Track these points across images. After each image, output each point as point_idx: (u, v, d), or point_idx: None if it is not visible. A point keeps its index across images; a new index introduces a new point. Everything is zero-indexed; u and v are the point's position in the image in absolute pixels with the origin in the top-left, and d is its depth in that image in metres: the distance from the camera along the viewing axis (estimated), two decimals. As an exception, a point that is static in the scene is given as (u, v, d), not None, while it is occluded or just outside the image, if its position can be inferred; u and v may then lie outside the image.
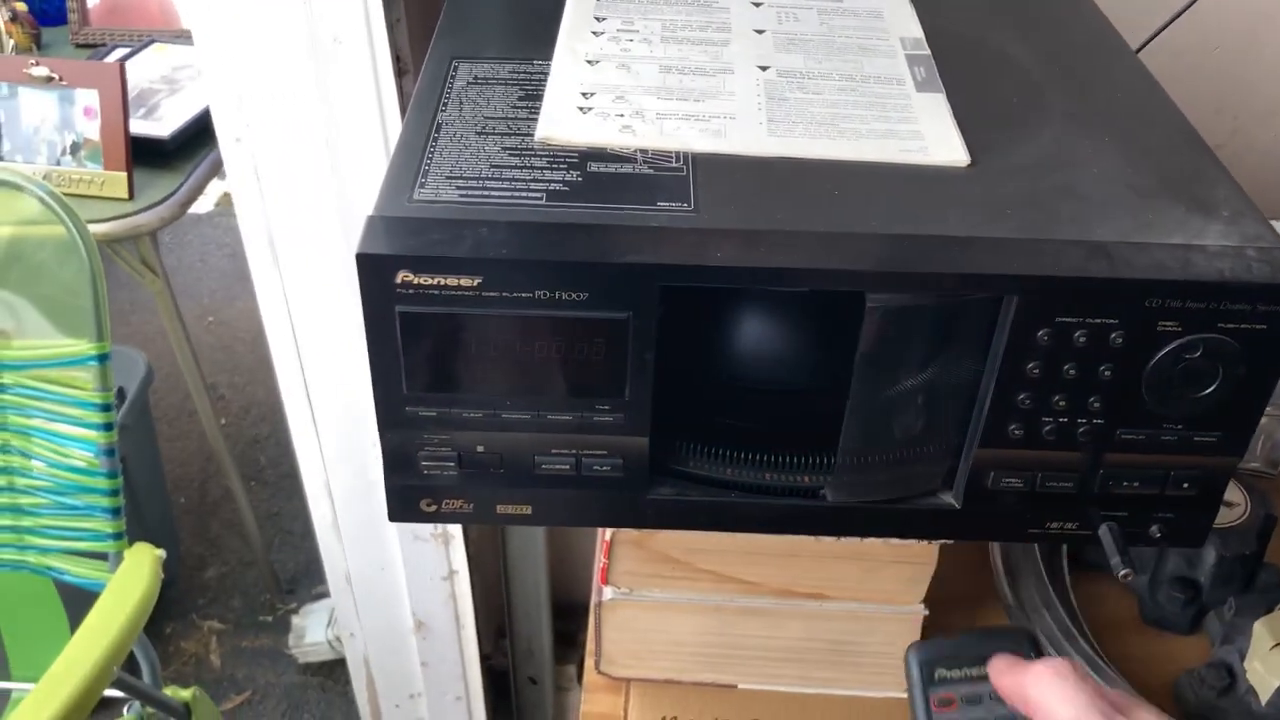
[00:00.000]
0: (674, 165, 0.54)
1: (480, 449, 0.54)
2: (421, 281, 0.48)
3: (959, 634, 0.52)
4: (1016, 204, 0.52)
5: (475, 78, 0.60)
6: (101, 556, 1.06)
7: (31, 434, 1.05)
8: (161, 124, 1.41)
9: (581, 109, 0.57)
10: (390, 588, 1.17)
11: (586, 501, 0.56)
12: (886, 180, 0.54)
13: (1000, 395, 0.52)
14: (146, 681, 1.07)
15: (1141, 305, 0.49)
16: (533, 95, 0.58)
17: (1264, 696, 0.70)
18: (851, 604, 0.71)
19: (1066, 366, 0.51)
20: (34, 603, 1.22)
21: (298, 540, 1.88)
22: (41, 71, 1.32)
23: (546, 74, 0.60)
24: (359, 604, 1.20)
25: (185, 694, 1.08)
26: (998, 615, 0.78)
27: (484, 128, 0.56)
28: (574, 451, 0.54)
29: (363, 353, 0.51)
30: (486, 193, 0.51)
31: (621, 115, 0.57)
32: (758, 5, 0.68)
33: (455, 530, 1.10)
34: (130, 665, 0.99)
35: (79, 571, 1.07)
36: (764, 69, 0.62)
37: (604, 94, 0.58)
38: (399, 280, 0.48)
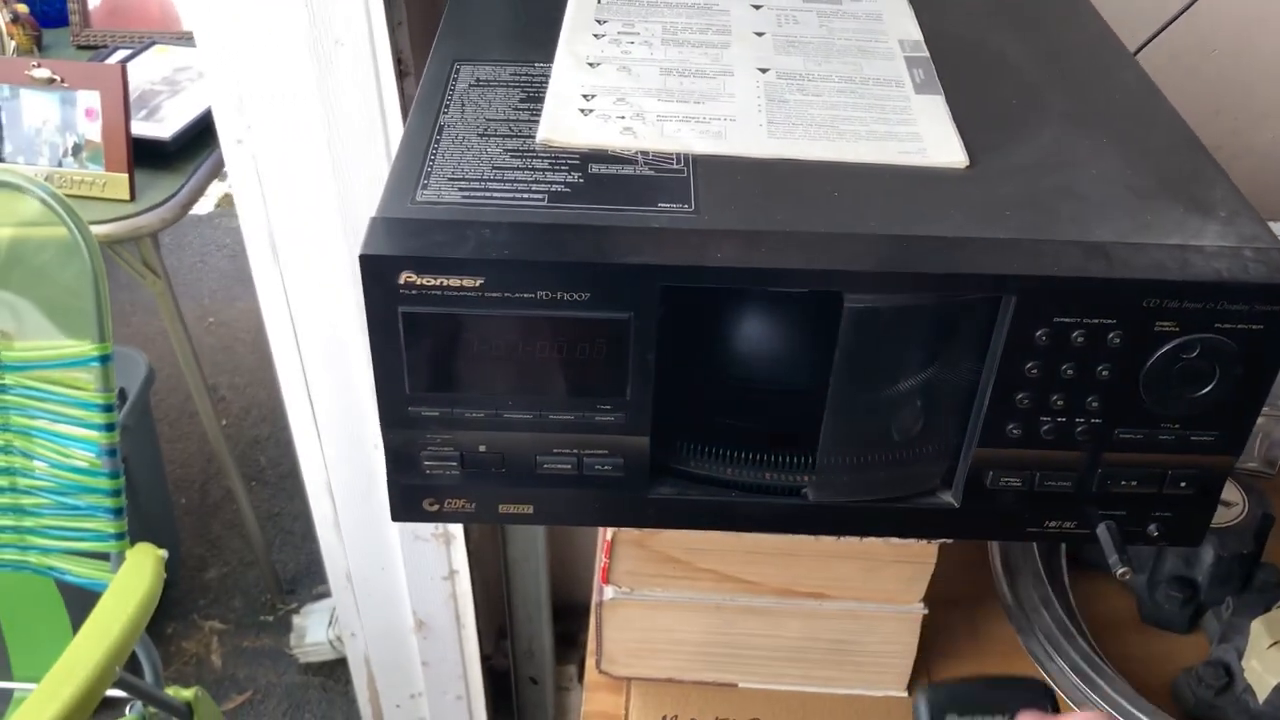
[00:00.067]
0: (674, 167, 0.54)
1: (482, 448, 0.54)
2: (424, 282, 0.48)
3: (971, 681, 0.52)
4: (1015, 205, 0.53)
5: (477, 80, 0.60)
6: (103, 557, 1.06)
7: (34, 434, 1.05)
8: (163, 125, 1.42)
9: (583, 111, 0.57)
10: (391, 587, 1.17)
11: (588, 501, 0.57)
12: (886, 181, 0.54)
13: (999, 395, 0.52)
14: (149, 681, 1.08)
15: (1139, 305, 0.49)
16: (534, 97, 0.59)
17: (1261, 695, 0.70)
18: (852, 603, 0.71)
19: (1065, 366, 0.51)
20: (36, 603, 1.22)
21: (298, 540, 1.88)
22: (43, 73, 1.32)
23: (548, 76, 0.60)
24: (360, 604, 1.20)
25: (187, 694, 1.09)
26: (997, 615, 0.78)
27: (486, 130, 0.56)
28: (575, 451, 0.55)
29: (363, 353, 0.51)
30: (489, 194, 0.51)
31: (622, 117, 0.57)
32: (758, 8, 0.68)
33: (456, 530, 1.11)
34: (132, 665, 0.99)
35: (81, 572, 1.07)
36: (764, 71, 0.62)
37: (605, 96, 0.59)
38: (402, 281, 0.48)
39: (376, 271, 0.48)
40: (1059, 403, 0.52)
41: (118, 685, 0.96)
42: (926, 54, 0.64)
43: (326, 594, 1.57)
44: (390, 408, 0.53)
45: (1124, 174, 0.55)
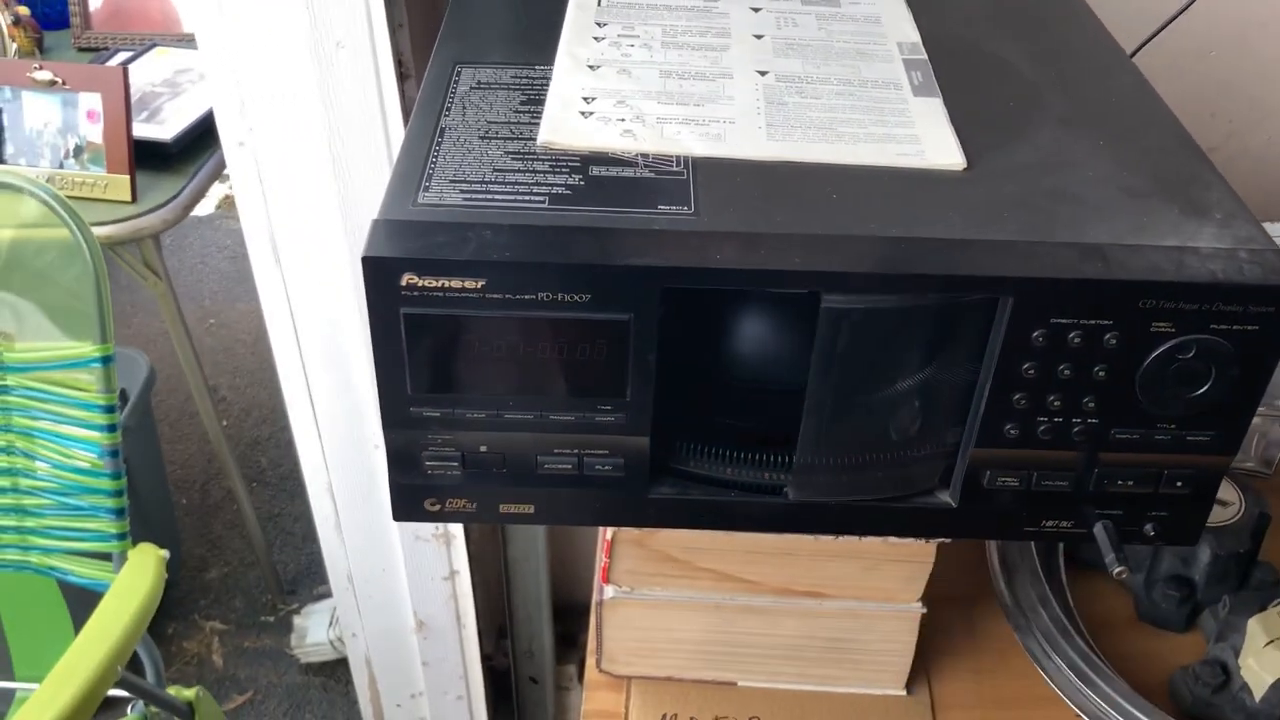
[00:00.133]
0: (674, 169, 0.54)
1: (483, 449, 0.55)
2: (426, 284, 0.49)
3: None
4: (1012, 207, 0.53)
5: (478, 83, 0.61)
6: (105, 557, 1.07)
7: (35, 435, 1.05)
8: (164, 127, 1.42)
9: (583, 113, 0.58)
10: (392, 588, 1.17)
11: (588, 501, 0.57)
12: (884, 183, 0.55)
13: (996, 395, 0.53)
14: (150, 681, 1.08)
15: (1136, 306, 0.50)
16: (535, 100, 0.59)
17: (1258, 693, 0.70)
18: (850, 602, 0.71)
19: (1062, 367, 0.51)
20: (38, 603, 1.22)
21: (299, 541, 1.89)
22: (44, 75, 1.32)
23: (548, 79, 0.61)
24: (361, 604, 1.21)
25: (189, 693, 1.09)
26: (995, 614, 0.79)
27: (487, 132, 0.57)
28: (576, 451, 0.55)
29: (364, 353, 0.52)
30: (490, 196, 0.52)
31: (623, 120, 0.57)
32: (757, 11, 0.69)
33: (457, 530, 1.11)
34: (134, 665, 1.00)
35: (83, 572, 1.08)
36: (763, 74, 0.62)
37: (605, 99, 0.59)
38: (404, 283, 0.49)
39: (379, 273, 0.49)
40: (1056, 403, 0.53)
41: (120, 685, 0.96)
42: (925, 56, 0.65)
43: (327, 594, 1.57)
44: (392, 408, 0.53)
45: (1120, 176, 0.56)
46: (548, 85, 0.60)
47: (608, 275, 0.49)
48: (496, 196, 0.52)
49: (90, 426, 1.03)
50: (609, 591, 0.72)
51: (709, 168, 0.55)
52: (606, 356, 0.51)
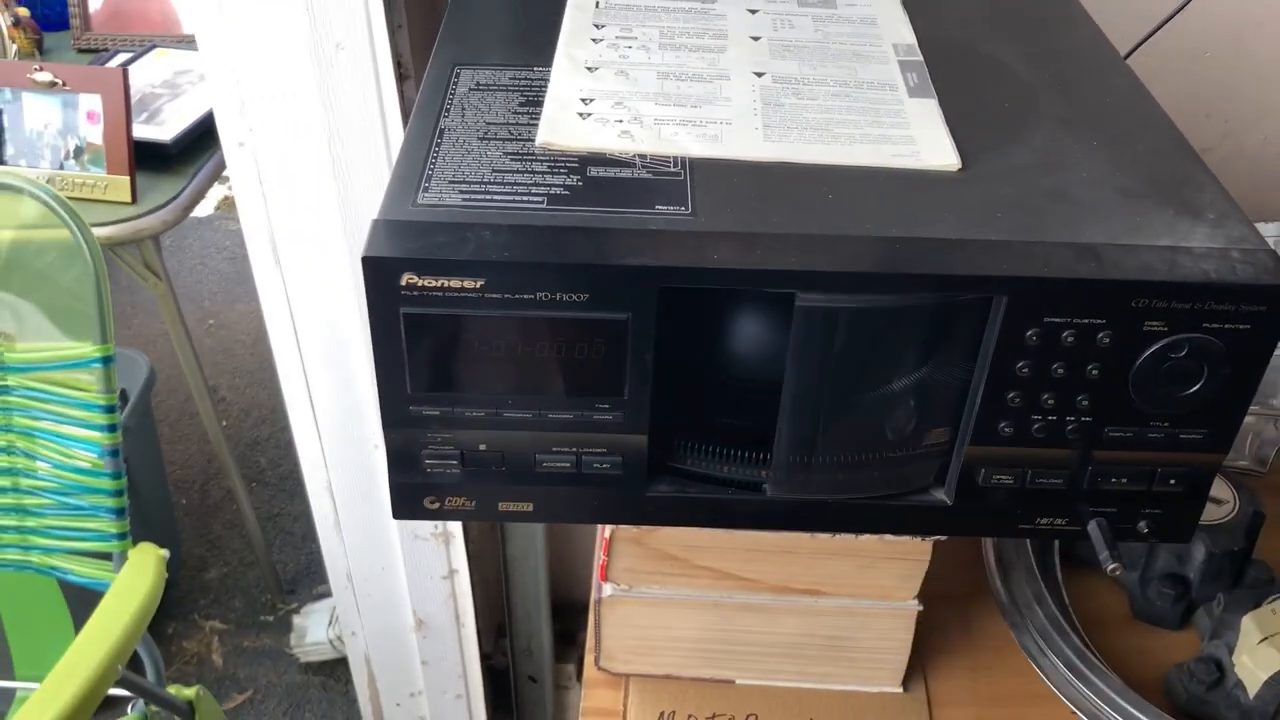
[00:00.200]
0: (672, 170, 0.55)
1: (482, 447, 0.55)
2: (425, 284, 0.49)
3: None
4: (1007, 207, 0.54)
5: (477, 84, 0.61)
6: (105, 556, 1.07)
7: (36, 435, 1.06)
8: (164, 128, 1.42)
9: (581, 115, 0.58)
10: (391, 587, 1.18)
11: (586, 499, 0.57)
12: (879, 184, 0.55)
13: (990, 394, 0.53)
14: (151, 680, 1.08)
15: (1129, 306, 0.50)
16: (533, 101, 0.59)
17: (1252, 690, 0.71)
18: (847, 600, 0.72)
19: (1055, 365, 0.52)
20: (38, 602, 1.22)
21: (298, 541, 1.89)
22: (45, 76, 1.33)
23: (547, 80, 0.61)
24: (360, 603, 1.21)
25: (189, 693, 1.09)
26: (991, 611, 0.79)
27: (486, 133, 0.57)
28: (574, 450, 0.55)
29: (364, 353, 0.52)
30: (489, 197, 0.52)
31: (620, 121, 0.58)
32: (754, 13, 0.69)
33: (455, 529, 1.11)
34: (134, 664, 1.00)
35: (83, 571, 1.08)
36: (760, 75, 0.63)
37: (603, 100, 0.59)
38: (404, 282, 0.49)
39: (379, 273, 0.49)
40: (1050, 401, 0.53)
41: (120, 684, 0.96)
42: (920, 58, 0.65)
43: (327, 594, 1.58)
44: (392, 407, 0.54)
45: (1114, 176, 0.56)
46: (546, 86, 0.60)
47: (606, 275, 0.49)
48: (495, 197, 0.52)
49: (91, 426, 1.03)
50: (607, 589, 0.73)
51: (706, 168, 0.55)
52: (604, 356, 0.52)
